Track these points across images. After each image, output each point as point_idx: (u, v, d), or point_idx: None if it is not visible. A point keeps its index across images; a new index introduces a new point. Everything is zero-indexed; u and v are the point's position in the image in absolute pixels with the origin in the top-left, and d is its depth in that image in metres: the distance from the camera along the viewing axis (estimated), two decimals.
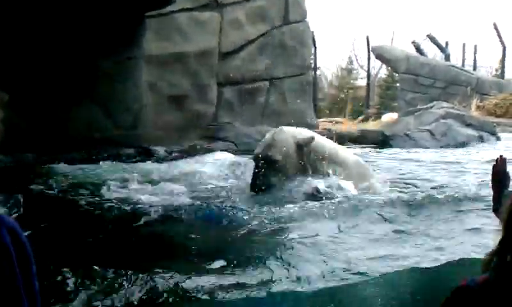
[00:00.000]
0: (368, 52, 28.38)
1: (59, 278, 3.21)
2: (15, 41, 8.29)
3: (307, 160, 5.79)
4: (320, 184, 5.55)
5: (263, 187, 5.64)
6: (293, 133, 5.91)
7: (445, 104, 16.75)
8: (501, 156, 3.10)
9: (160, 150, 9.66)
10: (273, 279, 3.37)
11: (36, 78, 8.70)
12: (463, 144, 13.26)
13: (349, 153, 6.52)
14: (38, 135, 8.59)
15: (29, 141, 8.37)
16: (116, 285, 3.18)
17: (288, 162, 5.72)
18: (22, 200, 4.84)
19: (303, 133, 6.01)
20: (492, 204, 3.01)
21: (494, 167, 3.07)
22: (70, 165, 7.57)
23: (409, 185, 6.66)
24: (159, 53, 10.85)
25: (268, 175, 5.65)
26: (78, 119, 9.21)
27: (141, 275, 3.28)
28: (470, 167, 8.42)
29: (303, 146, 5.75)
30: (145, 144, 9.85)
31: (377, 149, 11.88)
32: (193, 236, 4.37)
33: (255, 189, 5.69)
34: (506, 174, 3.04)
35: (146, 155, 9.37)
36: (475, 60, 30.25)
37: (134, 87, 10.02)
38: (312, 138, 5.82)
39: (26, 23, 8.25)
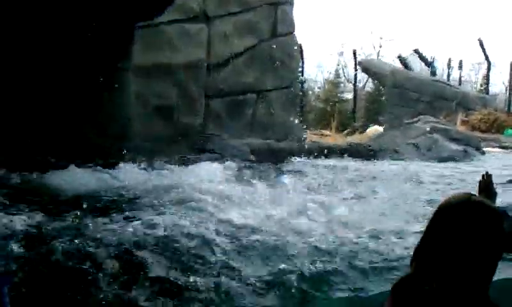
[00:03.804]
0: (355, 65, 28.63)
1: None
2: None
3: None
4: None
5: None
6: None
7: (430, 119, 16.91)
8: (487, 172, 3.15)
9: (148, 161, 9.61)
10: None
11: (23, 87, 8.64)
12: (448, 159, 13.38)
13: None
14: (24, 144, 8.52)
15: (13, 152, 8.30)
16: None
17: None
18: None
19: None
20: None
21: (480, 182, 3.11)
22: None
23: None
24: (147, 64, 10.83)
25: None
26: (66, 128, 9.15)
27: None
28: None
29: None
30: (132, 155, 9.80)
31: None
32: None
33: None
34: (492, 189, 3.08)
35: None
36: (460, 75, 30.66)
37: (121, 97, 9.98)
38: None
39: (13, 33, 8.21)
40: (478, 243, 1.62)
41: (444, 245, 1.65)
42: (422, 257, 1.71)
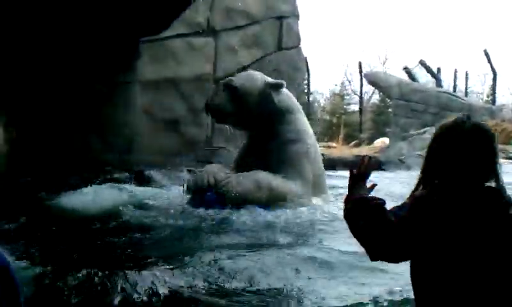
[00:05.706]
0: (361, 77, 28.68)
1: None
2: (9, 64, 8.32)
3: None
4: None
5: None
6: None
7: None
8: None
9: (155, 175, 9.61)
10: None
11: (31, 101, 8.71)
12: None
13: None
14: (32, 158, 8.57)
15: (22, 165, 8.34)
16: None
17: None
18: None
19: None
20: None
21: None
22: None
23: None
24: (153, 77, 10.89)
25: None
26: (72, 143, 9.21)
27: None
28: None
29: None
30: (139, 168, 9.82)
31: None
32: None
33: None
34: None
35: (140, 179, 9.32)
36: (466, 86, 30.63)
37: (128, 111, 10.05)
38: None
39: (21, 46, 8.28)
40: (478, 153, 1.99)
41: (451, 159, 2.02)
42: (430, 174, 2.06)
